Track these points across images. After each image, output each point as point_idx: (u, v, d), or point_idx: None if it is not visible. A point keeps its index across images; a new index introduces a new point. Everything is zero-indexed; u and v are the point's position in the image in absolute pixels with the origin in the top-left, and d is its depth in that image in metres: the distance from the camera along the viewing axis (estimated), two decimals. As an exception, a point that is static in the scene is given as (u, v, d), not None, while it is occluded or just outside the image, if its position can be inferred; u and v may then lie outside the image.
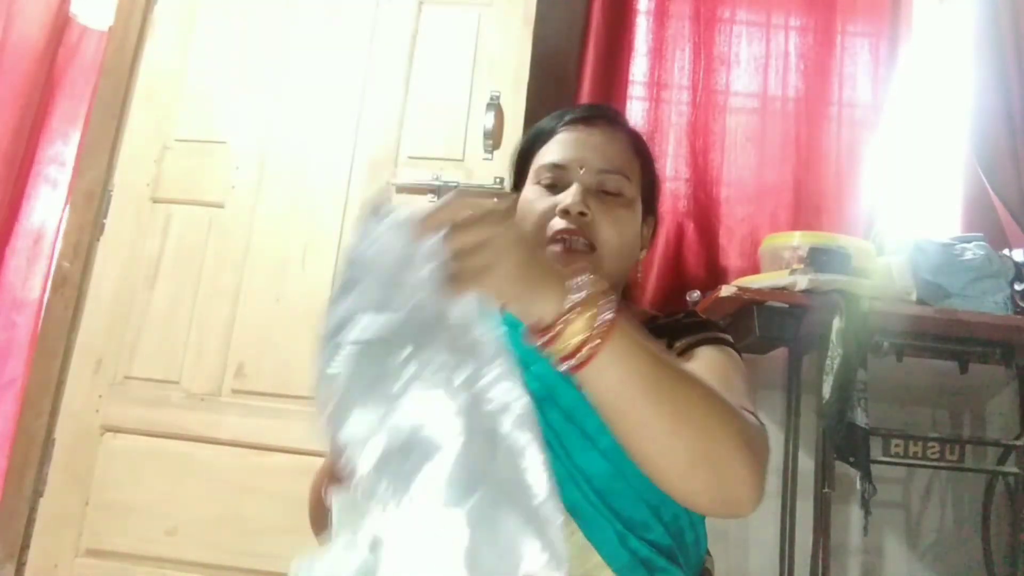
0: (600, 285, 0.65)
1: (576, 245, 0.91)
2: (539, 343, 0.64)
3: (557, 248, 0.92)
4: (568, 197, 0.92)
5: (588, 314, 0.63)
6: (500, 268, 0.62)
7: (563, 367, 0.64)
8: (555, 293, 0.63)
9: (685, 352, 0.89)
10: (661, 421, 0.65)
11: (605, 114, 1.03)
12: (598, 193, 0.94)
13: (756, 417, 0.77)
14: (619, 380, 0.64)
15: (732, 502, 0.68)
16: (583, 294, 0.63)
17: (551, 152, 0.98)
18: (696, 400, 0.67)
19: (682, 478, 0.67)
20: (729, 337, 0.93)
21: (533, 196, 0.96)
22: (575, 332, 0.62)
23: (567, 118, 1.00)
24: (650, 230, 1.05)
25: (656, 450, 0.66)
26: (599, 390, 0.65)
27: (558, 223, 0.92)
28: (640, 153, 1.02)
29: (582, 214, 0.91)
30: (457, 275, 0.61)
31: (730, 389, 0.79)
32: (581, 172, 0.95)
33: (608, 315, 0.63)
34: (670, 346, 0.91)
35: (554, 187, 0.95)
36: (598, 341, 0.62)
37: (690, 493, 0.68)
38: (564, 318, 0.63)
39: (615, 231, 0.93)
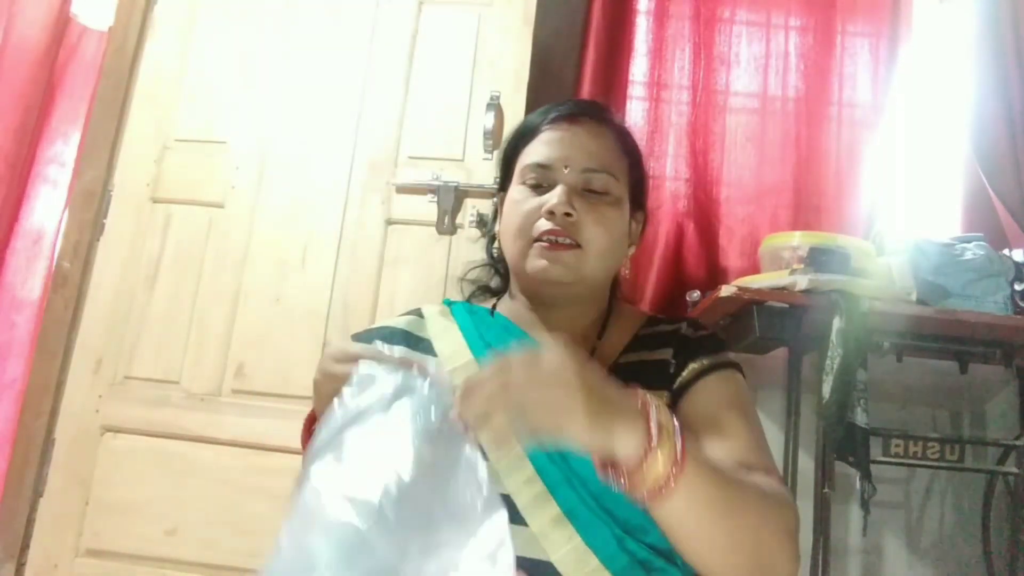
0: (665, 413, 0.69)
1: (561, 241, 0.92)
2: (617, 482, 0.67)
3: (543, 244, 0.92)
4: (553, 198, 0.92)
5: (665, 450, 0.66)
6: (570, 413, 0.64)
7: (639, 502, 0.67)
8: (631, 431, 0.66)
9: (699, 377, 0.90)
10: (724, 538, 0.70)
11: (590, 111, 1.01)
12: (583, 192, 0.94)
13: (776, 470, 0.84)
14: (688, 506, 0.68)
15: None
16: (656, 430, 0.66)
17: (536, 152, 0.97)
18: (753, 512, 0.72)
19: None
20: (733, 356, 0.95)
21: (519, 197, 0.96)
22: (655, 470, 0.65)
23: (552, 116, 0.99)
24: (639, 226, 1.04)
25: (717, 562, 0.71)
26: (667, 514, 0.69)
27: (544, 224, 0.92)
28: (627, 149, 1.00)
29: (567, 214, 0.91)
30: (530, 427, 0.64)
31: (759, 447, 0.85)
32: (566, 171, 0.94)
33: (679, 447, 0.66)
34: (681, 365, 0.92)
35: (539, 187, 0.95)
36: (674, 474, 0.66)
37: None
38: (646, 459, 0.65)
39: (601, 230, 0.93)
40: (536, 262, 0.92)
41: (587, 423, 0.64)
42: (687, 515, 0.68)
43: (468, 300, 1.10)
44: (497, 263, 1.07)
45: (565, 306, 0.97)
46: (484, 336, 0.96)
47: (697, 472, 0.67)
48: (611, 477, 0.67)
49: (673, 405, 0.90)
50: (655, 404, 0.69)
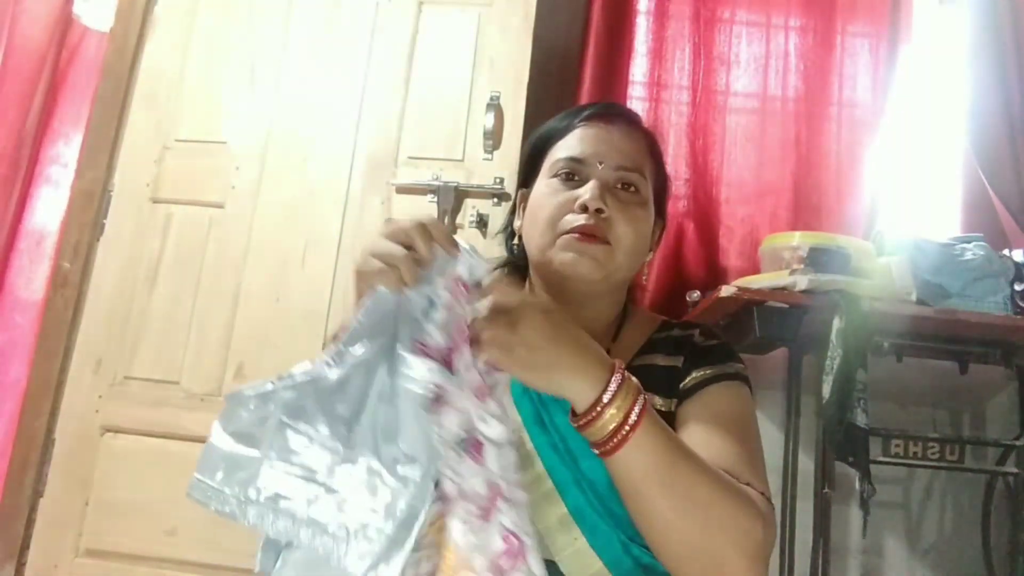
0: (630, 380, 0.72)
1: (596, 235, 0.91)
2: (574, 425, 0.71)
3: (573, 237, 0.91)
4: (587, 192, 0.91)
5: (618, 407, 0.69)
6: (533, 351, 0.68)
7: (594, 450, 0.71)
8: (591, 383, 0.69)
9: (702, 386, 0.90)
10: (668, 510, 0.71)
11: (623, 112, 1.03)
12: (615, 190, 0.94)
13: (765, 488, 0.81)
14: (639, 467, 0.70)
15: None
16: (616, 388, 0.70)
17: (569, 146, 0.97)
18: (704, 495, 0.72)
19: (678, 565, 0.73)
20: (743, 367, 0.94)
21: (549, 189, 0.95)
22: (606, 423, 0.69)
23: (585, 114, 0.99)
24: (659, 232, 1.04)
25: (659, 534, 0.72)
26: (618, 472, 0.71)
27: (575, 218, 0.91)
28: (654, 154, 1.01)
29: (599, 211, 0.91)
30: (498, 359, 0.68)
31: (749, 462, 0.83)
32: (600, 167, 0.94)
33: (639, 405, 0.70)
34: (688, 370, 0.92)
35: (571, 180, 0.95)
36: (628, 431, 0.69)
37: None
38: (601, 406, 0.69)
39: (631, 228, 0.93)
40: (564, 255, 0.91)
41: (548, 364, 0.69)
42: (632, 475, 0.70)
43: None
44: (517, 259, 1.07)
45: (584, 304, 0.97)
46: None
47: (649, 436, 0.70)
48: (574, 423, 0.71)
49: (676, 409, 0.90)
50: (624, 368, 0.72)
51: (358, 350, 0.63)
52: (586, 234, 0.91)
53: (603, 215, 0.91)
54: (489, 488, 0.63)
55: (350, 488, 0.59)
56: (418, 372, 0.62)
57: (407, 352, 0.63)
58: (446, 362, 0.66)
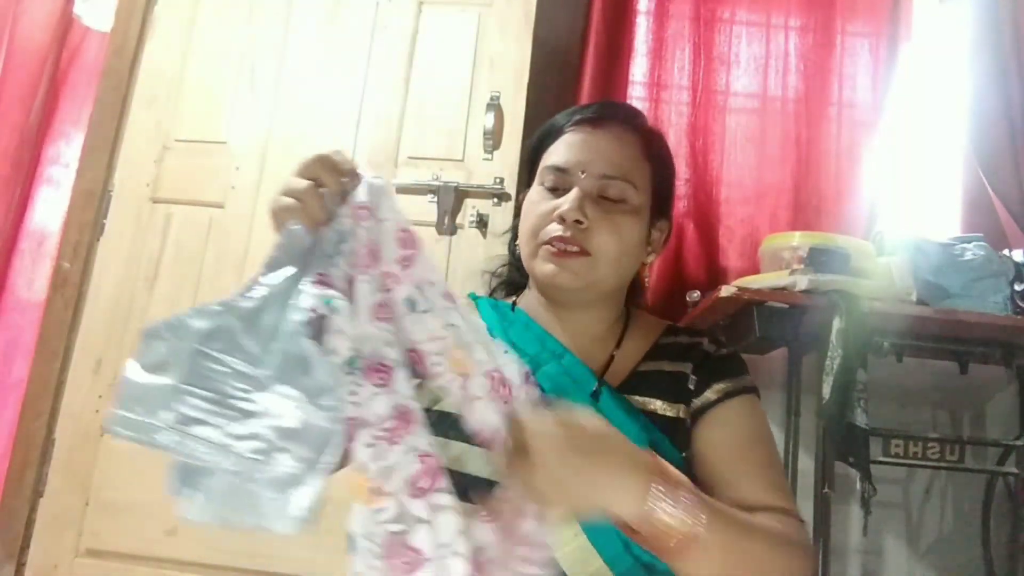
0: (672, 473, 0.70)
1: (569, 249, 0.91)
2: (633, 539, 0.70)
3: (551, 249, 0.91)
4: (565, 204, 0.91)
5: (671, 508, 0.67)
6: (561, 485, 0.65)
7: (661, 556, 0.70)
8: (630, 492, 0.67)
9: (719, 401, 0.91)
10: None
11: (616, 114, 1.00)
12: (599, 199, 0.93)
13: (794, 509, 0.83)
14: (705, 563, 0.69)
15: None
16: (660, 486, 0.67)
17: (556, 153, 0.96)
18: (754, 559, 0.74)
19: None
20: (752, 380, 0.95)
21: (536, 198, 0.96)
22: (666, 529, 0.67)
23: (576, 118, 0.98)
24: (662, 233, 1.02)
25: None
26: (680, 566, 0.70)
27: (554, 229, 0.91)
28: (653, 156, 0.98)
29: (578, 222, 0.90)
30: (530, 495, 0.66)
31: (778, 485, 0.85)
32: (582, 176, 0.93)
33: (689, 507, 0.68)
34: (701, 384, 0.92)
35: (556, 190, 0.94)
36: (688, 536, 0.67)
37: None
38: (652, 517, 0.66)
39: (613, 238, 0.92)
40: (544, 266, 0.92)
41: (589, 496, 0.66)
42: (700, 567, 0.70)
43: (491, 294, 1.09)
44: (518, 260, 1.07)
45: (578, 310, 0.97)
46: (508, 333, 0.96)
47: (710, 533, 0.68)
48: (635, 540, 0.69)
49: (692, 423, 0.91)
50: (664, 465, 0.71)
51: (273, 280, 0.63)
52: (564, 249, 0.90)
53: (582, 226, 0.90)
54: (396, 411, 0.63)
55: (267, 414, 0.58)
56: (303, 301, 0.62)
57: (306, 285, 0.63)
58: (348, 287, 0.65)
